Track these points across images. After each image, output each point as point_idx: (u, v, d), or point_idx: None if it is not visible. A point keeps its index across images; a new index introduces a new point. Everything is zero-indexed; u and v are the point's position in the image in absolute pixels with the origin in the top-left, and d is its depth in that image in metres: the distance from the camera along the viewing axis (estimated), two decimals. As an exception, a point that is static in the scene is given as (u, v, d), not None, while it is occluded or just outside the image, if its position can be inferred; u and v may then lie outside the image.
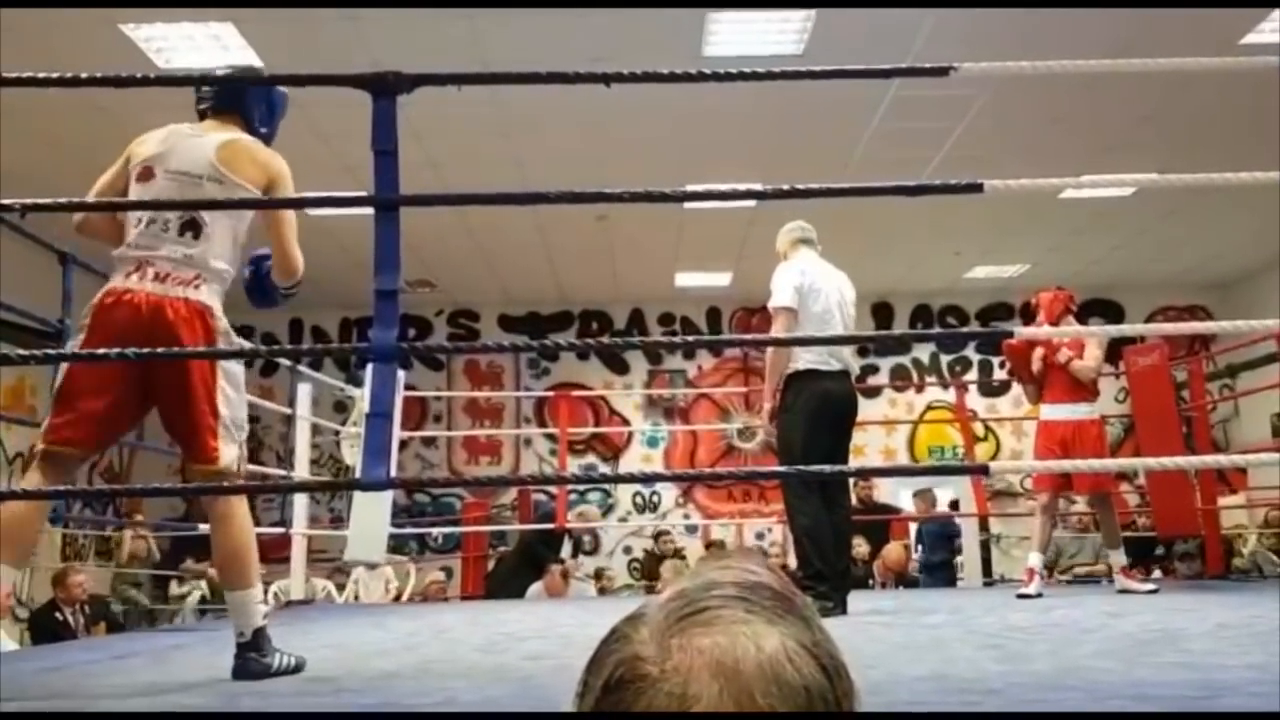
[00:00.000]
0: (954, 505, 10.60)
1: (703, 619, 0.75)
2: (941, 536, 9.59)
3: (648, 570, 11.08)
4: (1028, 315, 12.10)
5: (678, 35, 6.63)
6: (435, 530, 11.50)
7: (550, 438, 11.86)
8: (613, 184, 8.09)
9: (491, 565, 10.10)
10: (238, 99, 3.26)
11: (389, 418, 2.84)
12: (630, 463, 12.71)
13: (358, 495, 6.49)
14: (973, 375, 12.92)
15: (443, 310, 12.98)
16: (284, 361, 8.20)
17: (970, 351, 13.19)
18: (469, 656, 3.62)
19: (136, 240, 3.00)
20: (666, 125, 7.76)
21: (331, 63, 6.58)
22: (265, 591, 8.95)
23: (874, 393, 12.28)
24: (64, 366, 3.03)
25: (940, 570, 9.29)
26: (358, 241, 9.60)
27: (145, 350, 2.72)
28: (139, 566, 9.69)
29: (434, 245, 10.13)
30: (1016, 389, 11.96)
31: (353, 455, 7.34)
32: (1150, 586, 5.96)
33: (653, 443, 12.91)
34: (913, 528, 10.29)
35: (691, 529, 12.10)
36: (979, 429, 11.95)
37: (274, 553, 9.45)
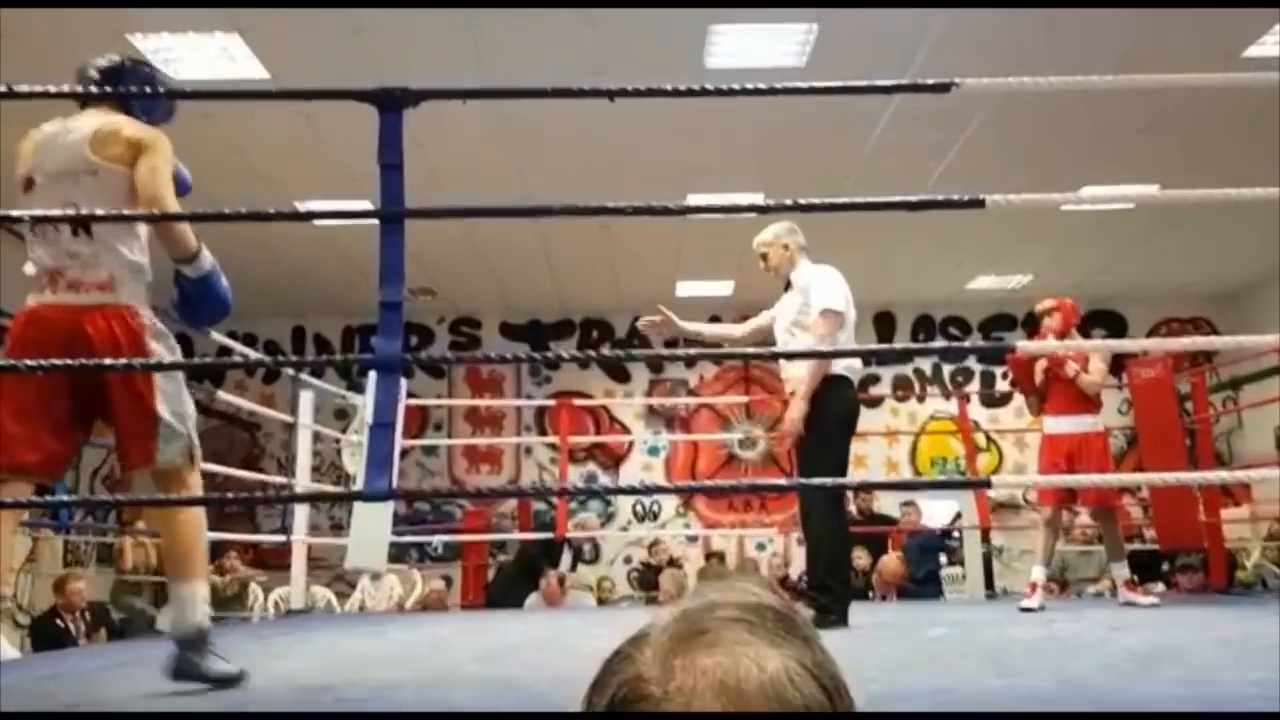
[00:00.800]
0: (956, 517, 10.59)
1: (705, 640, 0.76)
2: (926, 550, 9.52)
3: (646, 580, 11.07)
4: (1032, 324, 12.13)
5: (680, 47, 6.66)
6: (435, 539, 11.50)
7: (551, 446, 11.87)
8: (615, 193, 8.13)
9: (491, 574, 10.10)
10: (113, 85, 3.11)
11: (391, 428, 2.85)
12: (631, 471, 12.71)
13: (359, 504, 6.49)
14: (975, 386, 12.91)
15: (444, 318, 13.00)
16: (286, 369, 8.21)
17: (972, 362, 13.19)
18: (469, 668, 3.63)
19: (38, 253, 2.92)
20: (669, 135, 7.77)
21: (337, 74, 6.62)
22: (266, 598, 8.94)
23: (876, 403, 12.28)
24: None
25: (925, 584, 9.19)
26: (360, 249, 9.63)
27: (107, 363, 2.69)
28: (140, 574, 9.69)
29: (436, 253, 10.16)
30: (1019, 400, 11.96)
31: (354, 463, 7.35)
32: (1153, 600, 5.93)
33: (654, 451, 12.90)
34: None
35: (692, 539, 12.09)
36: (981, 440, 11.94)
37: (274, 560, 9.52)
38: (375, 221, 2.67)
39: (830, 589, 4.65)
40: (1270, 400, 8.50)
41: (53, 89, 2.87)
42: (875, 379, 12.89)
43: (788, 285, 5.07)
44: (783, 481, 4.59)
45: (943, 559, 9.60)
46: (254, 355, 9.49)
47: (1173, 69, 4.66)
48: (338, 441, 8.25)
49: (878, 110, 7.53)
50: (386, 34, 6.45)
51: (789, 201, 2.73)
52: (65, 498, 7.25)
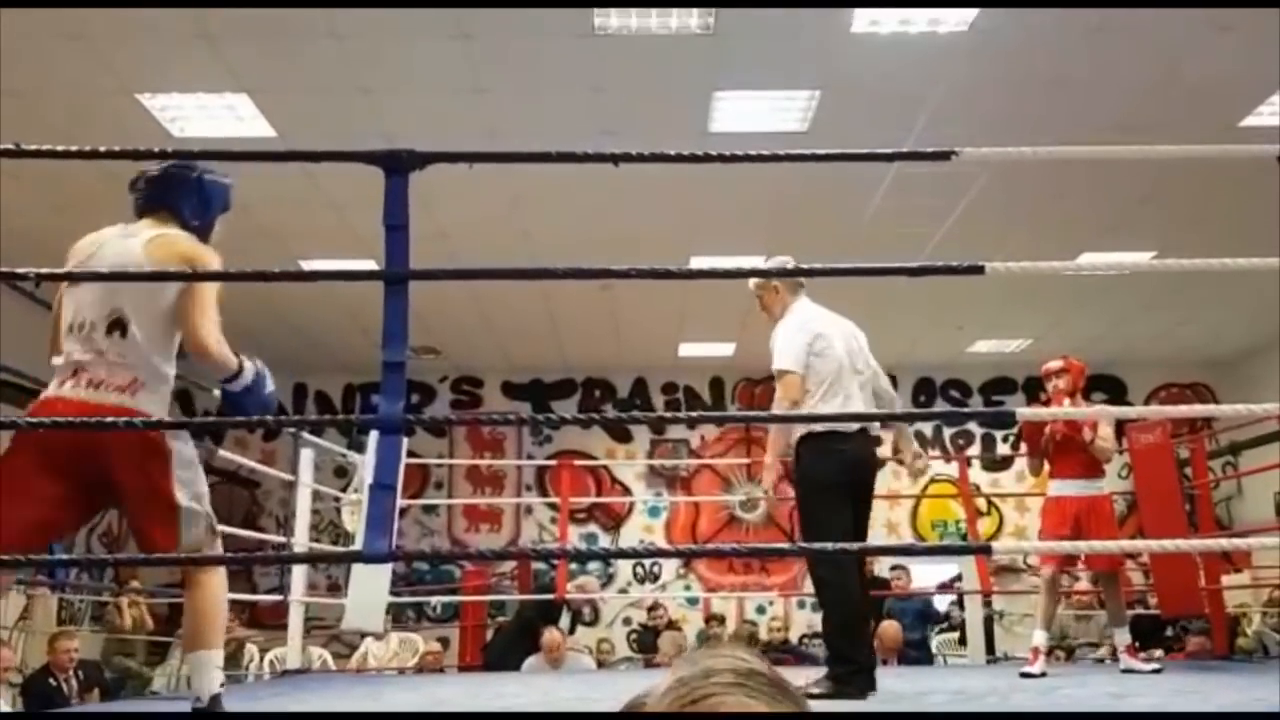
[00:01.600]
0: (957, 579, 10.52)
1: (709, 704, 0.78)
2: (918, 615, 9.44)
3: (645, 642, 10.97)
4: (1034, 387, 12.10)
5: (684, 111, 6.74)
6: (434, 599, 11.41)
7: (551, 506, 11.83)
8: (619, 254, 8.20)
9: (490, 635, 10.01)
10: (167, 194, 3.24)
11: (392, 489, 2.84)
12: (631, 532, 12.66)
13: (358, 564, 6.46)
14: (975, 449, 12.90)
15: (446, 376, 13.02)
16: (287, 427, 8.19)
17: (973, 425, 13.19)
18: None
19: (69, 346, 3.00)
20: (673, 197, 7.84)
21: (344, 133, 6.70)
22: (261, 659, 8.84)
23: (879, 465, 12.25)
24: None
25: (916, 649, 9.08)
26: (363, 307, 9.69)
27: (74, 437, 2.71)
28: (132, 633, 9.61)
29: (439, 312, 10.20)
30: (1020, 464, 11.98)
31: (353, 522, 7.31)
32: (1154, 666, 5.85)
33: (654, 513, 12.86)
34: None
35: (692, 601, 12.01)
36: (982, 504, 11.90)
37: (271, 619, 9.45)
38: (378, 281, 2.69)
39: (848, 659, 4.36)
40: (1270, 467, 8.49)
41: (59, 148, 2.90)
42: (877, 441, 12.84)
43: None
44: (784, 545, 4.51)
45: (930, 626, 9.53)
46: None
47: (1171, 138, 4.73)
48: (337, 500, 8.22)
49: (879, 175, 7.60)
50: (393, 95, 6.53)
51: (790, 266, 2.75)
52: (63, 556, 7.20)
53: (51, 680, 7.64)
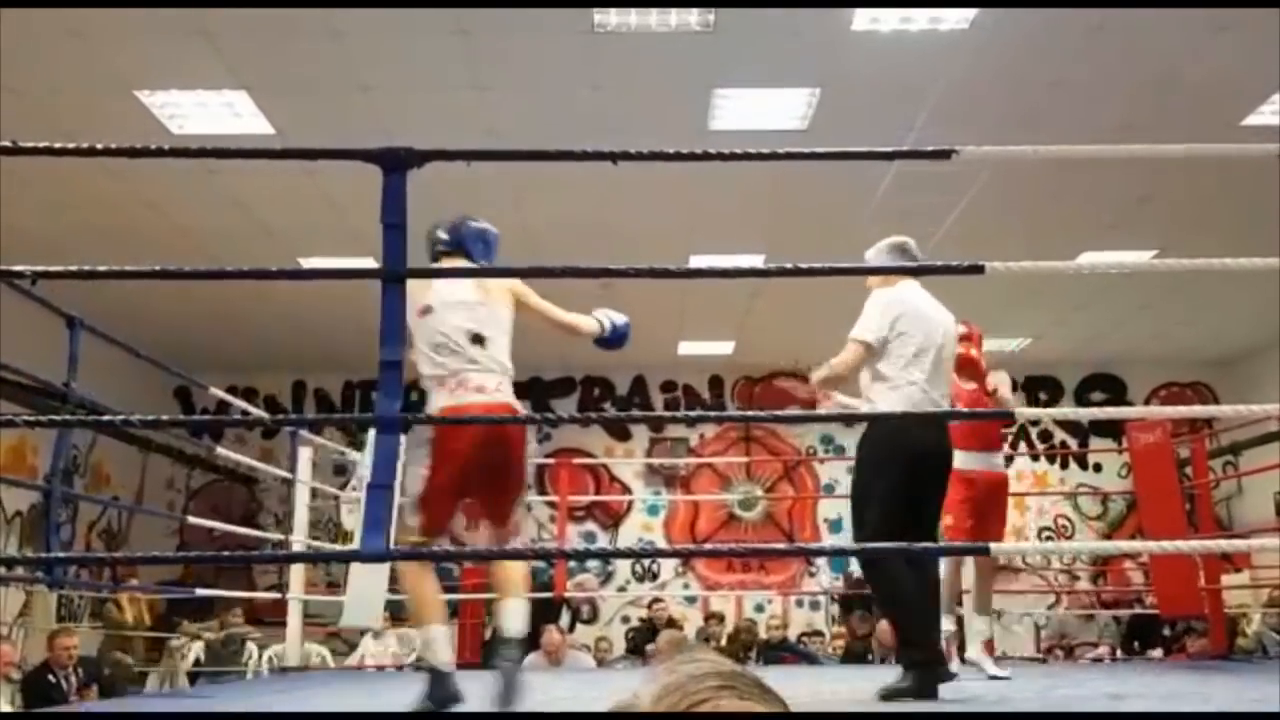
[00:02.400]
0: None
1: (707, 707, 0.79)
2: None
3: (644, 639, 10.96)
4: (1034, 386, 12.13)
5: (684, 109, 6.73)
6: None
7: (550, 504, 11.82)
8: (619, 251, 8.18)
9: (488, 633, 10.00)
10: (467, 244, 4.03)
11: (390, 489, 2.84)
12: (630, 531, 12.65)
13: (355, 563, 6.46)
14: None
15: (446, 375, 12.98)
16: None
17: (972, 424, 13.16)
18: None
19: (442, 361, 3.71)
20: (672, 194, 7.83)
21: (341, 130, 6.69)
22: (260, 655, 8.86)
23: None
24: (423, 476, 3.64)
25: None
26: (361, 305, 9.67)
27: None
28: (133, 630, 9.61)
29: (438, 310, 10.18)
30: (1019, 462, 11.98)
31: (352, 520, 7.32)
32: (1005, 674, 5.39)
33: (653, 511, 12.85)
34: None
35: (691, 599, 12.00)
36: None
37: (269, 616, 9.44)
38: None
39: (909, 658, 4.06)
40: (1270, 466, 8.49)
41: (58, 145, 2.89)
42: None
43: None
44: (782, 545, 4.48)
45: None
46: (254, 411, 9.47)
47: (1172, 137, 4.72)
48: (336, 498, 8.22)
49: (879, 174, 7.59)
50: (393, 92, 6.52)
51: (790, 266, 2.74)
52: (61, 554, 7.20)
53: (51, 677, 7.64)
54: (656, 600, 11.07)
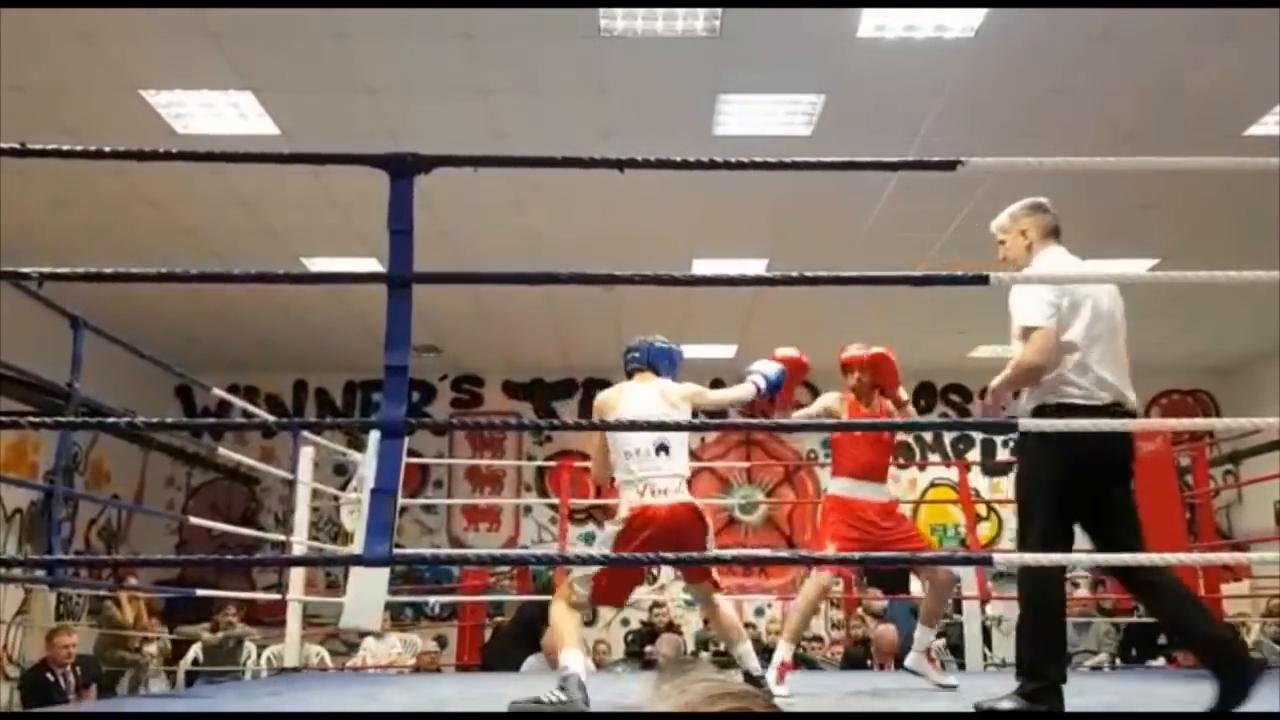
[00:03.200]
0: (955, 581, 10.50)
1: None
2: (910, 614, 9.39)
3: (643, 643, 10.94)
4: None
5: (689, 113, 6.73)
6: (432, 599, 11.40)
7: (551, 506, 11.82)
8: (622, 255, 8.18)
9: (489, 635, 10.01)
10: (655, 361, 4.68)
11: (393, 493, 2.83)
12: (630, 533, 12.63)
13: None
14: (975, 454, 12.89)
15: (447, 375, 13.00)
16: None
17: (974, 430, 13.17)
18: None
19: (634, 467, 4.24)
20: (676, 199, 7.85)
21: (348, 133, 6.70)
22: (259, 655, 8.85)
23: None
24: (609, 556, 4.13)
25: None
26: (365, 306, 9.70)
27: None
28: (133, 628, 9.61)
29: (441, 310, 10.21)
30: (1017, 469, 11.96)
31: (352, 521, 7.31)
32: (949, 680, 5.36)
33: (653, 513, 12.83)
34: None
35: (690, 602, 11.97)
36: (982, 509, 11.89)
37: (268, 616, 9.44)
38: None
39: (1041, 674, 3.51)
40: (1271, 476, 8.49)
41: (65, 147, 2.90)
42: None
43: None
44: (784, 554, 4.48)
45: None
46: (256, 411, 9.48)
47: (1175, 146, 4.72)
48: (336, 499, 8.22)
49: (883, 181, 7.59)
50: (398, 95, 6.53)
51: (794, 274, 2.75)
52: (65, 556, 7.21)
53: (49, 675, 7.64)
54: (656, 604, 11.05)
